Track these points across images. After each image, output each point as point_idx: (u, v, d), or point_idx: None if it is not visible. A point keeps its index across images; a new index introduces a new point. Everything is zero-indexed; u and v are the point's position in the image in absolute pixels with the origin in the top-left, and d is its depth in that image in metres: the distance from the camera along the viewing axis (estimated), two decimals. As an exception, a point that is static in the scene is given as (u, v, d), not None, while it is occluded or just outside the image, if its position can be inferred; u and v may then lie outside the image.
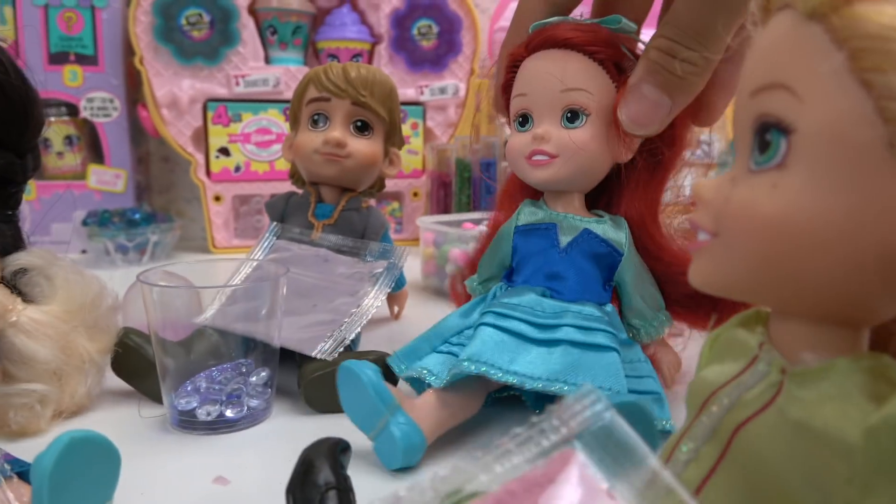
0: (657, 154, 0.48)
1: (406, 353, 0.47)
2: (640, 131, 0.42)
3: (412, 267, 0.90)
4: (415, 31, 1.09)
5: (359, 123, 0.59)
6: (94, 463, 0.30)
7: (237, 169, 1.07)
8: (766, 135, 0.21)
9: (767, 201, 0.20)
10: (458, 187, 1.00)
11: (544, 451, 0.22)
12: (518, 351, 0.41)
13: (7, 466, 0.31)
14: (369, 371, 0.39)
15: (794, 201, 0.20)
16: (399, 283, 0.69)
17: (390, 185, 1.14)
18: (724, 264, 0.22)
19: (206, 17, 1.01)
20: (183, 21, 1.00)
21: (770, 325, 0.23)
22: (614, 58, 0.45)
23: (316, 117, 0.59)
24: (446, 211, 1.05)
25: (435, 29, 1.10)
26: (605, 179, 0.49)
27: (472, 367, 0.40)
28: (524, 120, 0.48)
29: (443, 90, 1.12)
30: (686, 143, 0.48)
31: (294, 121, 0.62)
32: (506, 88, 0.50)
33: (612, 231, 0.47)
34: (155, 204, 1.22)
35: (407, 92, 1.12)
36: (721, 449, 0.22)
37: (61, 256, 0.51)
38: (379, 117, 0.59)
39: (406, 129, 1.13)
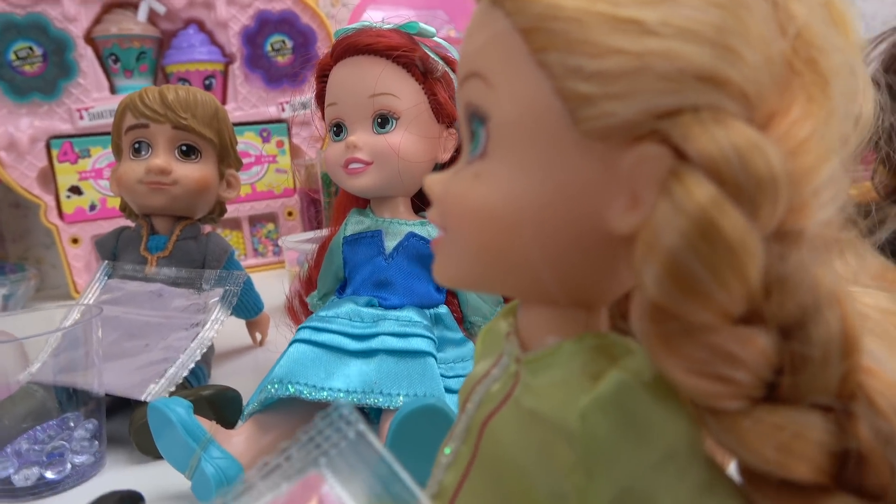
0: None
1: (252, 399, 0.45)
2: None
3: (281, 288, 0.87)
4: (268, 48, 1.07)
5: (184, 148, 0.57)
6: None
7: (92, 207, 1.01)
8: (472, 124, 0.20)
9: (472, 191, 0.20)
10: (326, 202, 0.98)
11: (289, 476, 0.21)
12: (335, 365, 0.40)
13: None
14: (178, 408, 0.37)
15: (494, 189, 0.19)
16: (255, 308, 0.66)
17: (263, 206, 1.12)
18: (453, 258, 0.21)
19: (38, 50, 0.95)
20: (12, 56, 0.94)
21: (517, 314, 0.23)
22: (418, 60, 0.45)
23: (137, 145, 0.56)
24: (319, 227, 1.03)
25: (289, 44, 1.08)
26: (428, 181, 0.49)
27: (280, 389, 0.38)
28: (338, 129, 0.47)
29: (304, 105, 1.10)
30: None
31: (117, 151, 0.58)
32: (319, 98, 0.49)
33: (438, 231, 0.46)
34: (11, 253, 1.13)
35: (268, 110, 1.09)
36: (473, 448, 0.22)
37: None
38: (205, 139, 0.57)
39: (272, 147, 1.10)
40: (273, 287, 0.71)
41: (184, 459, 0.38)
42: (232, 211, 1.07)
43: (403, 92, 0.45)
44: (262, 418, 0.40)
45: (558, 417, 0.19)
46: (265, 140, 1.10)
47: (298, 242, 0.78)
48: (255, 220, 1.12)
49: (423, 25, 0.46)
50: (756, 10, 0.17)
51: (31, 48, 0.95)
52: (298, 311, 0.56)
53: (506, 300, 0.48)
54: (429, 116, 0.46)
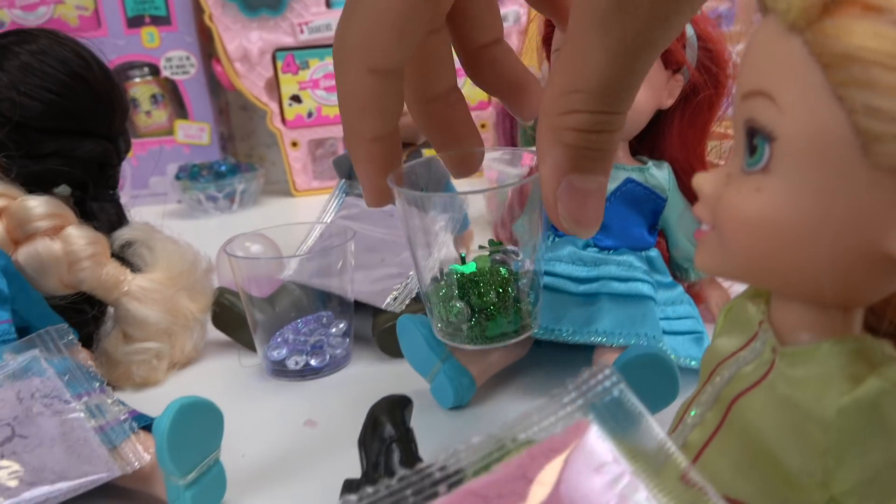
0: (700, 98, 0.48)
1: None
2: (592, 229, 0.28)
3: (478, 204, 0.92)
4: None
5: (413, 80, 0.61)
6: (201, 421, 0.36)
7: (310, 115, 1.11)
8: (754, 139, 0.22)
9: (752, 204, 0.22)
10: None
11: (562, 420, 0.26)
12: (559, 306, 0.44)
13: (134, 424, 0.38)
14: (423, 327, 0.43)
15: (775, 204, 0.21)
16: (463, 225, 0.72)
17: (457, 117, 1.16)
18: (721, 255, 0.24)
19: (267, -33, 1.03)
20: (245, -27, 1.03)
21: (771, 304, 0.25)
22: None
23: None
24: (513, 142, 1.06)
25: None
26: (649, 124, 0.50)
27: None
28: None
29: (504, 18, 1.11)
30: (730, 85, 0.48)
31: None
32: (546, 41, 0.51)
33: (654, 178, 0.48)
34: (238, 150, 1.29)
35: (468, 22, 1.11)
36: (721, 416, 0.25)
37: (158, 228, 0.57)
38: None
39: (469, 60, 1.13)
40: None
41: (425, 367, 0.45)
42: (429, 121, 1.13)
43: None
44: (487, 339, 0.46)
45: (814, 408, 0.22)
46: (463, 53, 1.12)
47: (494, 161, 0.81)
48: (449, 131, 1.18)
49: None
50: None
51: (261, -35, 1.03)
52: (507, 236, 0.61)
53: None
54: (657, 63, 0.47)
